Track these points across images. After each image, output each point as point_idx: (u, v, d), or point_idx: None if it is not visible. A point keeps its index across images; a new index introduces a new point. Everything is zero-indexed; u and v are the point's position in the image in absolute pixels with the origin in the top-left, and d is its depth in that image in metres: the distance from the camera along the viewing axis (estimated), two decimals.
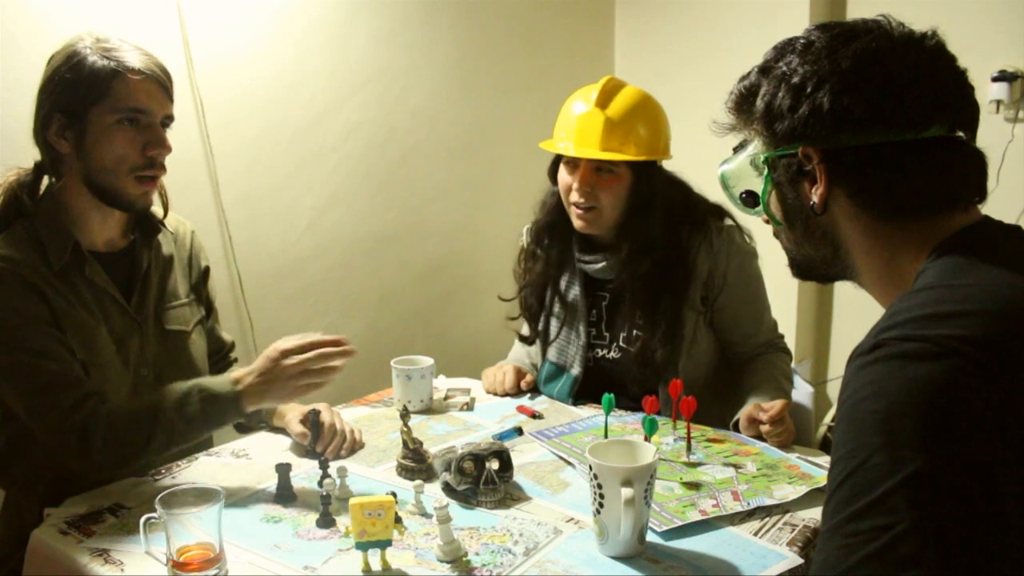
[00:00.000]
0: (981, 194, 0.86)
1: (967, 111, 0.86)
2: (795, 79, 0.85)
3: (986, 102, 2.60)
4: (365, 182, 2.50)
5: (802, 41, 0.88)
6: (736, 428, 1.53)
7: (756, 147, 0.92)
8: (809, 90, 0.84)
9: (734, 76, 0.95)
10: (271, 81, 2.23)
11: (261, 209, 2.25)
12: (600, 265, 1.72)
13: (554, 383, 1.77)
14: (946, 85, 0.84)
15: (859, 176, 0.84)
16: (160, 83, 1.40)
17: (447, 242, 2.77)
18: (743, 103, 0.92)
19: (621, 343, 1.72)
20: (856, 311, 3.08)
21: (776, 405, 1.46)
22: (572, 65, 3.11)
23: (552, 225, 1.77)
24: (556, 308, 1.80)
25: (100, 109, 1.34)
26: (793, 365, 1.79)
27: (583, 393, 1.73)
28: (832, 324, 3.14)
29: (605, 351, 1.74)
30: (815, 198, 0.87)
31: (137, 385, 1.44)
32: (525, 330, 1.87)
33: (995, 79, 2.51)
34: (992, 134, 2.68)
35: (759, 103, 0.89)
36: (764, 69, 0.90)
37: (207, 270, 1.64)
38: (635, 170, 1.64)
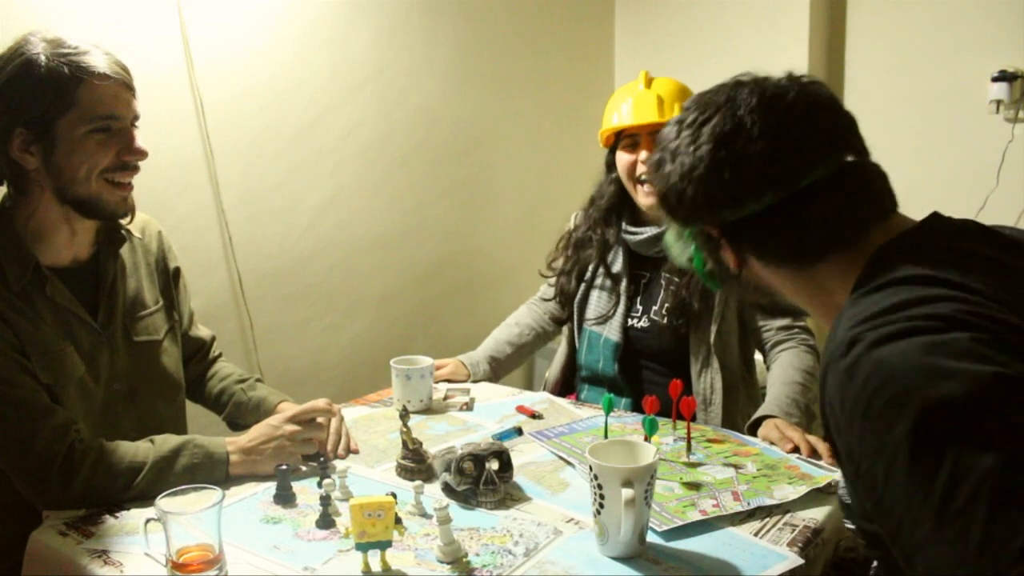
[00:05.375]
0: (892, 204, 0.88)
1: (849, 135, 0.89)
2: (678, 165, 0.91)
3: (986, 102, 2.60)
4: (365, 182, 2.50)
5: (686, 119, 0.92)
6: (753, 433, 1.53)
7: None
8: (682, 180, 0.90)
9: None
10: (271, 81, 2.23)
11: (261, 209, 2.25)
12: (644, 236, 1.83)
13: (595, 351, 1.87)
14: (818, 129, 0.86)
15: (757, 241, 0.90)
16: (126, 84, 1.30)
17: (447, 242, 2.77)
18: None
19: (652, 315, 1.82)
20: None
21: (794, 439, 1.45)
22: (572, 65, 3.11)
23: (610, 209, 1.89)
24: (599, 280, 1.90)
25: (68, 120, 1.25)
26: None
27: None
28: None
29: (636, 321, 1.85)
30: (731, 264, 0.94)
31: (111, 401, 1.40)
32: (549, 293, 2.01)
33: (995, 79, 2.51)
34: (992, 134, 2.67)
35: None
36: (661, 143, 0.95)
37: (177, 271, 1.56)
38: None
